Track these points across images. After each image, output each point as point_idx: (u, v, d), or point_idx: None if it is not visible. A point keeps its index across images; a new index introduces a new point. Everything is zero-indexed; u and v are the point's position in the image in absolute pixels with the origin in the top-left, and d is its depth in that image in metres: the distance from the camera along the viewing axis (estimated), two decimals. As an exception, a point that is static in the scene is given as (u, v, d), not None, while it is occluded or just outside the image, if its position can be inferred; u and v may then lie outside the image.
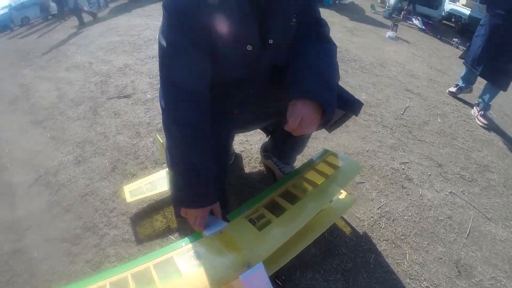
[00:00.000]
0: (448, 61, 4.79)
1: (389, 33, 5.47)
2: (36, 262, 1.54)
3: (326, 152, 1.52)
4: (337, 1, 9.68)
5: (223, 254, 1.01)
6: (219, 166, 1.17)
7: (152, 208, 1.75)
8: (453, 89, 3.48)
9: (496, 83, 3.00)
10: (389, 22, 6.17)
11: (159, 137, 1.84)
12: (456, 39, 5.91)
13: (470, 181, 2.20)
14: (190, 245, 1.06)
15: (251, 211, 1.22)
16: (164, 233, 1.60)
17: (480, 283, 1.59)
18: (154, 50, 4.38)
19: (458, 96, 3.46)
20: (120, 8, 11.77)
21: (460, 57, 3.52)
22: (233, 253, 1.00)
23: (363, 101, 2.59)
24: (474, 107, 3.19)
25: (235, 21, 1.03)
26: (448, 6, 8.57)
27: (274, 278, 1.32)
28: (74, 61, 4.68)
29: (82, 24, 10.15)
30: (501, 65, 2.90)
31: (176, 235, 1.59)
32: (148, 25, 6.50)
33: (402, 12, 7.69)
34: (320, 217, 1.35)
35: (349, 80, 3.33)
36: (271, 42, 1.11)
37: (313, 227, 1.29)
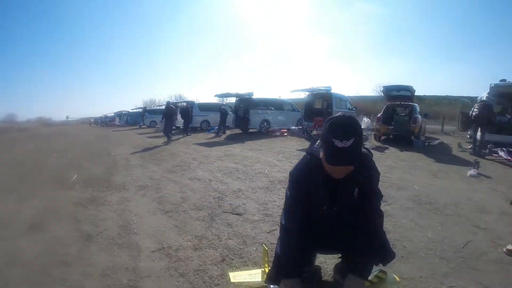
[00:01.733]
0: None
1: (471, 172, 5.88)
2: None
3: (379, 270, 2.29)
4: (426, 143, 10.30)
5: None
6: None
7: None
8: (511, 247, 3.06)
9: None
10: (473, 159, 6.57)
11: (265, 246, 2.72)
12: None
13: None
14: None
15: None
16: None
17: None
18: (263, 182, 5.71)
19: None
20: (234, 138, 14.13)
21: None
22: None
23: (428, 238, 3.20)
24: None
25: (319, 191, 2.12)
26: None
27: None
28: (196, 174, 6.17)
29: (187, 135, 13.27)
30: None
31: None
32: (258, 159, 7.98)
33: (488, 146, 7.92)
34: None
35: (420, 221, 3.89)
36: (336, 209, 2.15)
37: None
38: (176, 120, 20.37)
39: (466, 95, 12.58)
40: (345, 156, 1.77)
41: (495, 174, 5.85)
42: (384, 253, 2.16)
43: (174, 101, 32.86)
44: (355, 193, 2.12)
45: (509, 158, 7.01)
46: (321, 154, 1.93)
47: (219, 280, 2.72)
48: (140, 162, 8.49)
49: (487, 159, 7.87)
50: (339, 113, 1.89)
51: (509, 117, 11.15)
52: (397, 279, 2.22)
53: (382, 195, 2.22)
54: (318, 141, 2.10)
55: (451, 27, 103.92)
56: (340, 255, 2.53)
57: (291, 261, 2.06)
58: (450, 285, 2.65)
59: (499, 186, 5.37)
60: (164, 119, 15.20)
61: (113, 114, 47.79)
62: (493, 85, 10.12)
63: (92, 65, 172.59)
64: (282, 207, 2.26)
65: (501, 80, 10.28)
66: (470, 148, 8.83)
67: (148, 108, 35.38)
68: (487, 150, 8.18)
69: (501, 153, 7.52)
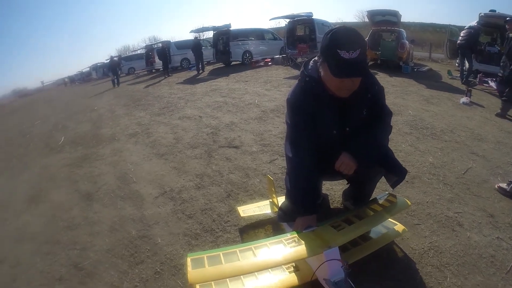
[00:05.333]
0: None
1: (463, 99, 5.88)
2: (160, 246, 2.42)
3: (388, 194, 2.25)
4: (415, 69, 10.22)
5: (314, 240, 1.77)
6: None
7: (258, 224, 2.57)
8: (504, 185, 2.99)
9: None
10: (464, 87, 6.56)
11: (270, 177, 2.67)
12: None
13: None
14: (293, 236, 1.83)
15: (332, 222, 1.99)
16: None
17: None
18: (255, 113, 5.62)
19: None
20: (217, 72, 13.83)
21: None
22: (320, 240, 1.76)
23: (429, 163, 3.20)
24: None
25: (325, 115, 1.94)
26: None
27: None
28: (185, 113, 6.04)
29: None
30: None
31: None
32: (246, 90, 7.84)
33: (478, 76, 7.91)
34: (379, 238, 2.13)
35: (419, 146, 3.92)
36: (348, 129, 1.98)
37: (373, 243, 2.07)
38: (155, 63, 19.80)
39: (454, 23, 12.31)
40: (354, 67, 1.64)
41: (487, 103, 5.88)
42: (395, 167, 2.03)
43: (149, 43, 31.19)
44: (364, 112, 1.99)
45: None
46: (322, 73, 1.80)
47: (228, 216, 2.69)
48: (126, 111, 8.20)
49: (476, 88, 7.86)
50: (338, 26, 1.75)
51: (499, 48, 11.02)
52: (408, 203, 2.18)
53: (392, 112, 2.11)
54: (312, 61, 1.94)
55: None
56: (347, 181, 2.52)
57: (306, 197, 1.94)
58: (456, 211, 2.70)
59: (492, 116, 5.40)
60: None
61: (88, 68, 44.88)
62: (482, 14, 9.85)
63: (59, 20, 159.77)
64: (279, 136, 2.13)
65: (491, 11, 10.01)
66: (459, 76, 8.77)
67: (123, 56, 33.63)
68: (477, 79, 8.14)
69: (492, 83, 7.50)
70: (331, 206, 2.73)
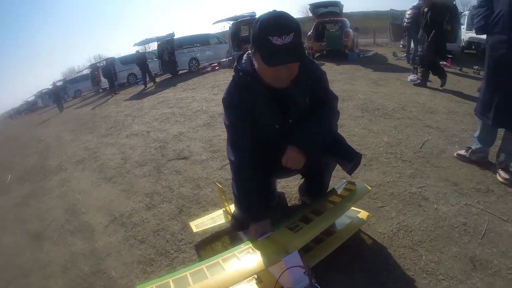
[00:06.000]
0: (469, 89, 5.12)
1: (411, 77, 5.94)
2: (115, 279, 2.16)
3: (345, 182, 2.04)
4: (361, 55, 10.40)
5: (270, 247, 1.54)
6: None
7: (213, 237, 2.33)
8: (463, 152, 2.95)
9: None
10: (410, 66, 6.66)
11: (218, 184, 2.46)
12: (477, 66, 6.22)
13: (486, 192, 2.46)
14: (247, 246, 1.60)
15: (289, 223, 1.76)
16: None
17: (497, 273, 1.77)
18: (203, 119, 5.37)
19: (471, 160, 2.88)
20: (165, 83, 13.46)
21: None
22: (277, 246, 1.54)
23: (385, 143, 3.10)
24: (496, 159, 2.74)
25: (264, 109, 1.73)
26: (466, 35, 8.89)
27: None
28: (133, 130, 5.71)
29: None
30: None
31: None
32: (194, 98, 7.59)
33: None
34: (344, 230, 1.91)
35: (372, 127, 3.82)
36: (291, 121, 1.77)
37: (338, 237, 1.83)
38: (101, 82, 19.25)
39: (395, 8, 12.77)
40: (288, 53, 1.46)
41: (434, 78, 5.91)
42: (348, 153, 1.84)
43: (94, 62, 30.19)
44: (307, 100, 1.79)
45: (445, 63, 7.14)
46: (256, 65, 1.62)
47: (181, 234, 2.44)
48: (72, 136, 7.72)
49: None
50: (267, 12, 1.56)
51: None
52: (368, 187, 1.99)
53: (337, 96, 1.90)
54: (245, 55, 1.77)
55: None
56: (301, 176, 2.30)
57: (254, 202, 1.72)
58: (419, 186, 2.58)
59: (440, 89, 5.45)
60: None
61: (34, 96, 42.96)
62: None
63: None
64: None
65: None
66: (404, 56, 8.96)
67: (68, 78, 32.20)
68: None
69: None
70: (289, 204, 2.53)
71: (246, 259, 1.51)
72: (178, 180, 3.27)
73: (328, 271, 1.79)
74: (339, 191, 1.97)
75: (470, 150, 2.87)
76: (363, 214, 2.09)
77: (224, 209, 2.39)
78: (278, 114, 1.74)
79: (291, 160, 1.71)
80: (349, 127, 3.85)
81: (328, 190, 2.15)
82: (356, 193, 1.91)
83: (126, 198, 3.21)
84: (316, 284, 1.39)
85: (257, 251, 1.54)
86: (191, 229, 2.36)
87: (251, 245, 1.60)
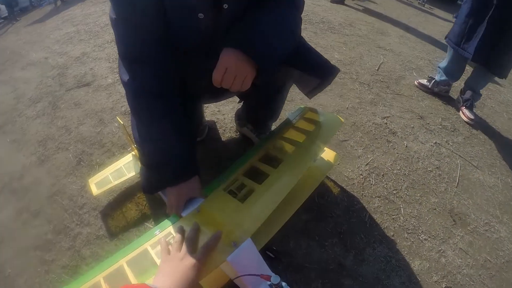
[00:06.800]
0: (416, 19, 4.73)
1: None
2: (12, 278, 1.36)
3: (303, 109, 1.37)
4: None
5: (204, 236, 0.85)
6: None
7: (123, 197, 1.57)
8: (425, 82, 2.59)
9: (494, 68, 2.23)
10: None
11: (119, 120, 1.64)
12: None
13: (452, 131, 2.15)
14: (165, 231, 0.92)
15: (229, 181, 1.06)
16: (139, 222, 1.42)
17: (475, 230, 1.56)
18: (112, 34, 4.11)
19: (434, 92, 2.55)
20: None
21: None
22: (215, 228, 0.86)
23: (336, 60, 2.50)
24: (459, 95, 2.48)
25: None
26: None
27: (264, 251, 1.20)
28: (30, 59, 4.36)
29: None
30: (507, 42, 2.10)
31: (152, 222, 1.41)
32: (104, 11, 6.12)
33: None
34: (305, 179, 1.21)
35: (319, 41, 3.19)
36: (226, 7, 0.93)
37: (299, 190, 1.14)
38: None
39: None
40: None
41: (380, 1, 5.36)
42: (319, 64, 1.10)
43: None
44: None
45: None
46: None
47: (82, 197, 1.60)
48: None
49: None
50: None
51: None
52: (341, 119, 1.32)
53: None
54: None
55: None
56: (241, 97, 1.55)
57: (172, 150, 0.99)
58: (384, 116, 2.12)
59: (387, 12, 4.91)
60: None
61: None
62: None
63: None
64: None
65: None
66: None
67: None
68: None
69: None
70: (223, 139, 1.83)
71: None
72: (77, 116, 2.29)
73: (290, 240, 1.25)
74: (297, 124, 1.30)
75: (434, 81, 2.50)
76: (329, 154, 1.44)
77: (133, 153, 1.60)
78: None
79: (229, 75, 0.91)
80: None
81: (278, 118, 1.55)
82: (326, 127, 1.26)
83: (16, 151, 2.16)
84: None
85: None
86: (91, 190, 1.53)
87: (171, 227, 0.93)
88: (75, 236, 1.44)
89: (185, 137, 1.01)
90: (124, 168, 1.56)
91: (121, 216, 1.48)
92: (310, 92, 1.13)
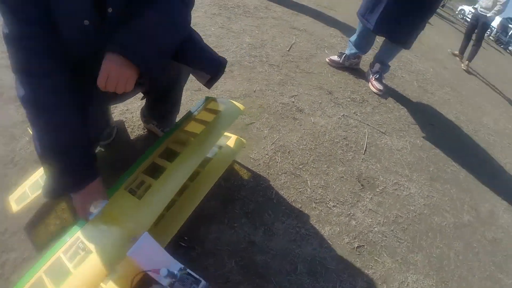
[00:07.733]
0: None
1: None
2: None
3: (207, 99, 1.36)
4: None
5: (106, 236, 0.89)
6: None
7: (44, 211, 1.47)
8: (336, 58, 2.66)
9: (397, 40, 2.35)
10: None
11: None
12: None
13: (361, 102, 2.24)
14: (74, 237, 0.91)
15: (130, 180, 1.06)
16: (63, 234, 1.36)
17: (384, 190, 1.65)
18: None
19: (345, 66, 2.65)
20: None
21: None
22: (116, 231, 0.88)
23: (247, 44, 2.52)
24: (368, 69, 2.62)
25: None
26: None
27: (177, 241, 1.19)
28: None
29: None
30: (407, 14, 2.20)
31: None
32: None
33: None
34: (211, 167, 1.24)
35: (232, 26, 3.17)
36: (111, 11, 0.91)
37: (204, 179, 1.18)
38: None
39: None
40: None
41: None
42: (207, 59, 1.12)
43: None
44: None
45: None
46: None
47: (2, 222, 1.43)
48: None
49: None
50: None
51: None
52: (240, 107, 1.31)
53: None
54: None
55: None
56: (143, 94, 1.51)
57: (72, 153, 0.96)
58: (292, 95, 2.15)
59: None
60: None
61: None
62: None
63: None
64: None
65: None
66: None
67: None
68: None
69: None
70: (132, 137, 1.76)
71: (77, 263, 0.87)
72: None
73: (200, 227, 1.24)
74: (198, 115, 1.29)
75: (344, 55, 2.61)
76: (233, 140, 1.45)
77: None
78: (85, 0, 0.88)
79: (111, 80, 0.92)
80: (204, 26, 3.08)
81: (179, 110, 1.54)
82: (225, 116, 1.26)
83: None
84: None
85: (91, 243, 0.90)
86: (11, 208, 1.39)
87: (80, 232, 0.92)
88: (2, 264, 1.32)
89: (85, 143, 1.00)
90: (40, 180, 1.46)
91: (43, 232, 1.37)
92: (207, 83, 1.13)
